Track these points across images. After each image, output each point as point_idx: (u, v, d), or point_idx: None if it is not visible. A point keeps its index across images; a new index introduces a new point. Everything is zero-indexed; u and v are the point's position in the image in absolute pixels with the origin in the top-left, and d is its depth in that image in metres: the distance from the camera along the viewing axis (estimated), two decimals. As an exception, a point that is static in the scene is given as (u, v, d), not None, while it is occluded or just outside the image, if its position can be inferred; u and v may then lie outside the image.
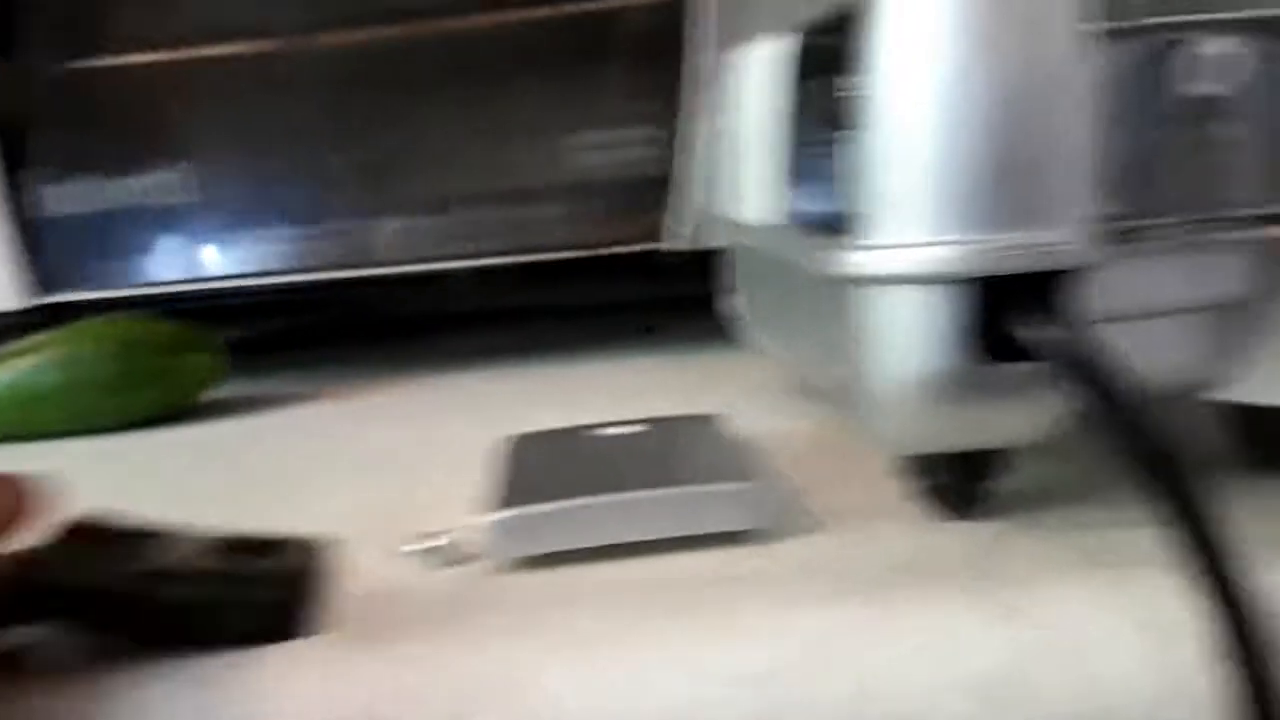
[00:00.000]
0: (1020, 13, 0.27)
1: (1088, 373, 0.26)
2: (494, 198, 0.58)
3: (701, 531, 0.33)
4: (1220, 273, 0.31)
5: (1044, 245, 0.27)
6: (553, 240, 0.59)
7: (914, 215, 0.28)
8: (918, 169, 0.28)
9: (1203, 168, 0.29)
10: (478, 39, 0.57)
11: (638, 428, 0.39)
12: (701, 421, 0.40)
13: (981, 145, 0.27)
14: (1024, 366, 0.28)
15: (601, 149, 0.58)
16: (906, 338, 0.29)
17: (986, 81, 0.27)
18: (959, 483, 0.33)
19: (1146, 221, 0.29)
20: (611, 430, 0.39)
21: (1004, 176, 0.27)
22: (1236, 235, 0.30)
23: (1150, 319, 0.31)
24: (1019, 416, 0.29)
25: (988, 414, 0.29)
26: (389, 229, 0.59)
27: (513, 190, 0.58)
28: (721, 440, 0.38)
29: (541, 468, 0.36)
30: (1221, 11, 0.28)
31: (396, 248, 0.59)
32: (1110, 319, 0.30)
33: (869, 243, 0.29)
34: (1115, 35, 0.28)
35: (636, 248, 0.57)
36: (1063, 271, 0.27)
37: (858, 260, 0.29)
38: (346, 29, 0.57)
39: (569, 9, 0.57)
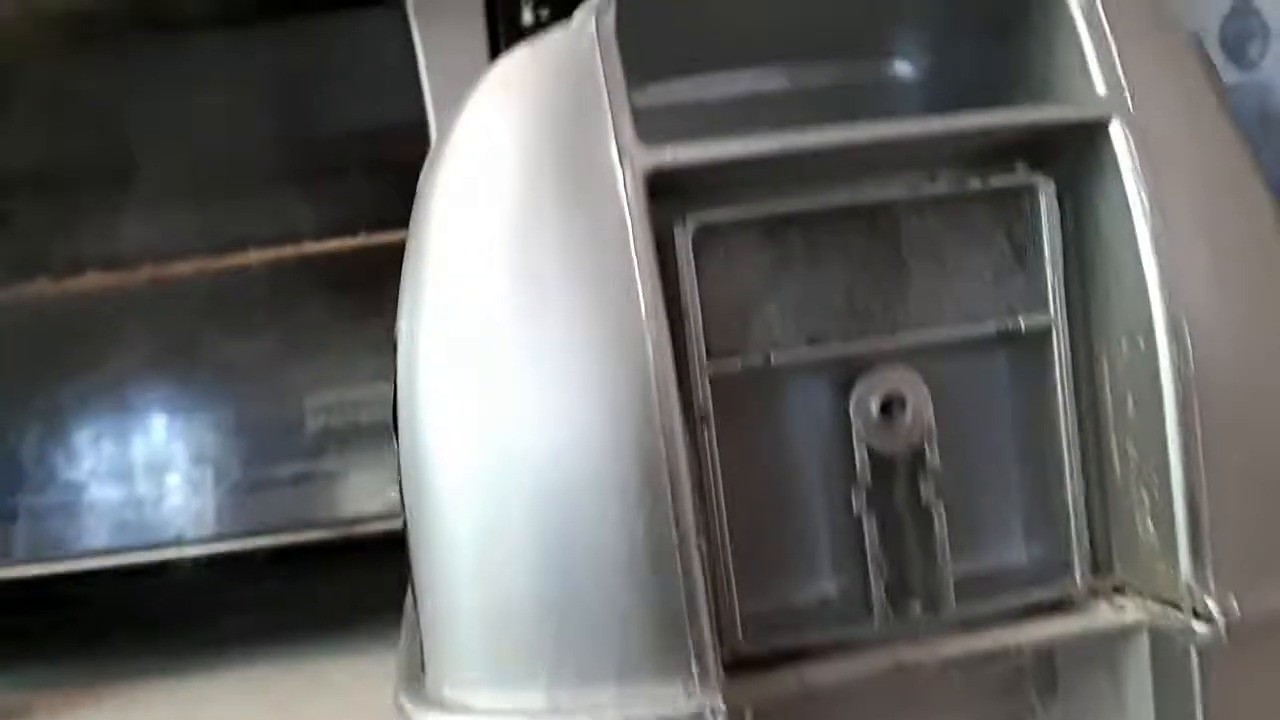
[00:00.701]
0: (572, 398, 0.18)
1: None
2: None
3: None
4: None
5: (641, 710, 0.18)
6: (294, 518, 0.49)
7: (470, 667, 0.19)
8: (455, 608, 0.19)
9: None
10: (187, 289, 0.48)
11: None
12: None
13: (524, 581, 0.18)
14: None
15: (342, 408, 0.49)
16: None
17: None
18: None
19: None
20: None
21: (564, 620, 0.18)
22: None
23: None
24: None
25: None
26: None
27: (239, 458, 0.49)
28: None
29: None
30: (897, 334, 0.20)
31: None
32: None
33: (429, 696, 0.20)
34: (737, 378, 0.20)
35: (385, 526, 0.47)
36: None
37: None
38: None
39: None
